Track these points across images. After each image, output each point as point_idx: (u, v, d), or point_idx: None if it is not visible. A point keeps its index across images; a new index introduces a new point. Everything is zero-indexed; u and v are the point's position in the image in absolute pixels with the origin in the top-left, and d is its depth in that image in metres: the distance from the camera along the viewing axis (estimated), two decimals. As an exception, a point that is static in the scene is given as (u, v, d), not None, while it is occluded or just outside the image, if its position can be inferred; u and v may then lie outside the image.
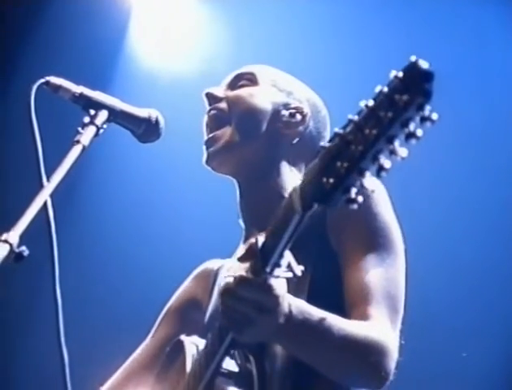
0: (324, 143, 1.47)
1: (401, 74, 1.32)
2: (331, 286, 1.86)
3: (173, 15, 4.54)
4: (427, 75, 1.30)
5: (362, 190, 1.42)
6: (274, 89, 2.27)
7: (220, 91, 2.29)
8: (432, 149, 4.08)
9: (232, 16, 4.40)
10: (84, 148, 1.93)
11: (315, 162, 1.48)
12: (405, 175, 4.01)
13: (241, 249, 2.25)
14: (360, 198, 1.41)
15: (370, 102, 1.37)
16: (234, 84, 2.30)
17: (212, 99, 2.28)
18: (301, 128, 2.22)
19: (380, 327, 1.86)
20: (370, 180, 2.00)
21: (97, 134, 1.99)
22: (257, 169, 2.20)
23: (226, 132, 2.22)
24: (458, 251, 4.13)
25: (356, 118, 1.39)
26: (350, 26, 4.27)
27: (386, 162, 1.36)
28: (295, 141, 2.22)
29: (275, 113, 2.22)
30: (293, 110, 2.23)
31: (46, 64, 4.09)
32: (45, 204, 1.81)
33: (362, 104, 1.38)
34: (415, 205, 4.05)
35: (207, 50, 4.37)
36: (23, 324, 4.38)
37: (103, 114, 2.03)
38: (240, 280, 1.66)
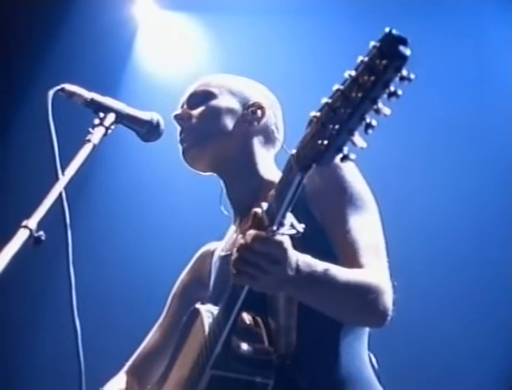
0: (314, 113, 1.48)
1: (378, 43, 1.36)
2: (320, 256, 1.86)
3: (174, 31, 4.59)
4: (401, 41, 1.33)
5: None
6: (231, 96, 2.26)
7: (186, 112, 2.28)
8: (426, 142, 4.06)
9: (224, 34, 4.43)
10: (94, 146, 1.95)
11: (308, 130, 1.50)
12: (398, 164, 4.00)
13: (232, 230, 2.28)
14: (352, 155, 1.43)
15: (353, 72, 1.40)
16: (193, 103, 2.28)
17: (181, 120, 2.27)
18: (264, 120, 2.25)
19: (373, 272, 1.91)
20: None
21: (105, 134, 2.01)
22: (236, 163, 2.21)
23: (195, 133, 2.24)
24: (453, 246, 4.02)
25: (341, 87, 1.42)
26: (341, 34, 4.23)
27: (373, 121, 1.39)
28: (262, 131, 2.25)
29: (240, 116, 2.23)
30: (253, 108, 2.25)
31: (62, 73, 4.05)
32: (60, 194, 1.82)
33: (346, 74, 1.41)
34: (406, 193, 4.01)
35: (204, 62, 4.38)
36: (40, 300, 4.38)
37: (111, 117, 2.04)
38: (254, 237, 1.68)
